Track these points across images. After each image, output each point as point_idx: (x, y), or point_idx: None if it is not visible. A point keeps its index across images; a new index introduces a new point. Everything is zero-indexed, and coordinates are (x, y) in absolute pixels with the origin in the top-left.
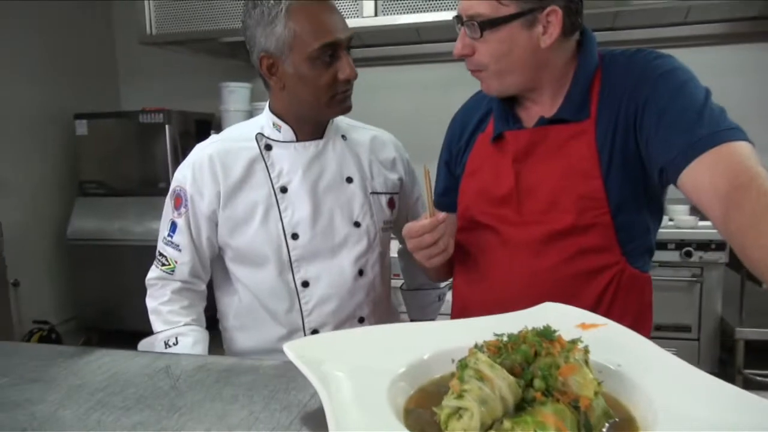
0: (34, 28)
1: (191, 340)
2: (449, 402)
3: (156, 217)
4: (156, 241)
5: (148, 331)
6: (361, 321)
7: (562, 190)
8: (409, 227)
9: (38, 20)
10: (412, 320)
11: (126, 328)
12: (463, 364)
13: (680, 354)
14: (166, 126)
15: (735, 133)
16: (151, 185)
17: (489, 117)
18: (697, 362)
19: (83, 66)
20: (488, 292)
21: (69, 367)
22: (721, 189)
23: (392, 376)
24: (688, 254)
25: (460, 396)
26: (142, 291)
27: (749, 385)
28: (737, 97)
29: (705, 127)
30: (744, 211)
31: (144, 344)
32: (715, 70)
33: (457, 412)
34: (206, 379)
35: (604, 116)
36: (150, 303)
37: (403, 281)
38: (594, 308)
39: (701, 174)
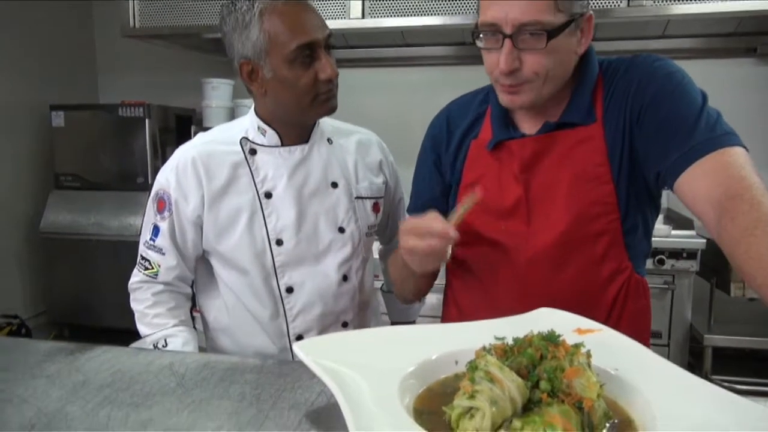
0: (10, 15)
1: (181, 341)
2: (461, 402)
3: (133, 212)
4: (132, 236)
5: (120, 327)
6: (345, 326)
7: (573, 198)
8: (414, 225)
9: (15, 7)
10: (392, 322)
11: (98, 323)
12: (473, 366)
13: None
14: (146, 120)
15: (730, 138)
16: (130, 180)
17: (480, 122)
18: None
19: (61, 56)
20: (497, 305)
21: (71, 363)
22: (715, 197)
23: (401, 375)
24: (661, 262)
25: (471, 396)
26: (116, 286)
27: None
28: None
29: (701, 133)
30: (736, 222)
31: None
32: None
33: (469, 411)
34: (211, 377)
35: (611, 119)
36: (135, 307)
37: (383, 282)
38: (607, 316)
39: (697, 181)
